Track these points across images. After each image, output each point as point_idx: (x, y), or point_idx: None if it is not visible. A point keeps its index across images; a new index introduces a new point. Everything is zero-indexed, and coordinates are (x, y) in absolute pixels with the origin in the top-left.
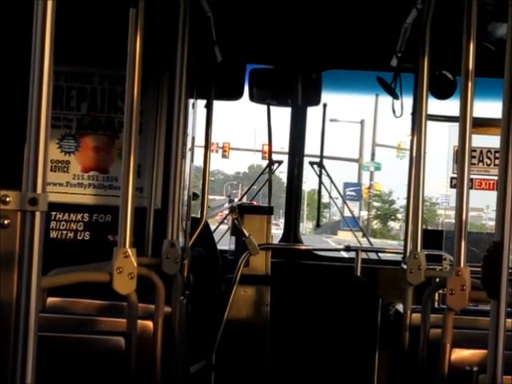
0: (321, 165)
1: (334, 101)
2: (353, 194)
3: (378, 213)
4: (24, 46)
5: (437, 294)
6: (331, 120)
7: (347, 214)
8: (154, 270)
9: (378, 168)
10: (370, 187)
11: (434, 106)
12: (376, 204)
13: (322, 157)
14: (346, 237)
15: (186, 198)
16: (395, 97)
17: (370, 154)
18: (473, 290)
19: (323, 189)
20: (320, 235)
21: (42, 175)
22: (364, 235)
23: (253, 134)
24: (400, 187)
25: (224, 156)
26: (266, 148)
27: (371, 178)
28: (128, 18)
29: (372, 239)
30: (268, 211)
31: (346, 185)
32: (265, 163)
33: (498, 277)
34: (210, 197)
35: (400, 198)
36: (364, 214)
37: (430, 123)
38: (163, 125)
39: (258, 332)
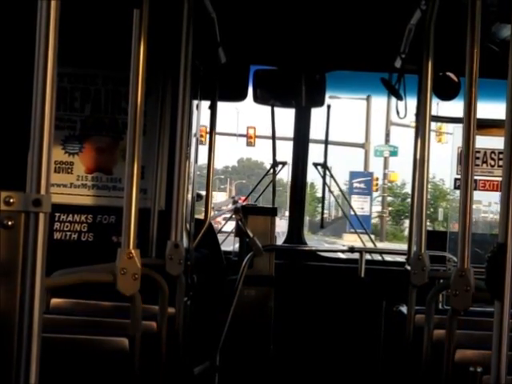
0: (325, 166)
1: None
2: (362, 186)
3: (390, 209)
4: (28, 47)
5: (441, 295)
6: (330, 97)
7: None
8: (157, 271)
9: (394, 153)
10: (384, 177)
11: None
12: (388, 198)
13: (326, 158)
14: (354, 241)
15: (189, 199)
16: (399, 98)
17: (384, 135)
18: (477, 291)
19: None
20: (319, 237)
21: (46, 176)
22: (371, 240)
23: (235, 114)
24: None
25: (201, 142)
26: (252, 132)
27: (385, 166)
28: (132, 19)
29: (386, 244)
30: (272, 212)
31: (353, 175)
32: (251, 150)
33: (501, 278)
34: (199, 192)
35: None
36: (376, 211)
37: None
38: (167, 126)
39: (262, 333)
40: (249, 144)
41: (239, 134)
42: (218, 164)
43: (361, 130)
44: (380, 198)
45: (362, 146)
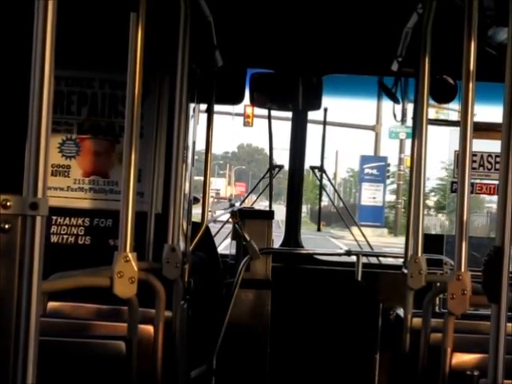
0: (321, 169)
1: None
2: (374, 172)
3: (403, 199)
4: (25, 50)
5: (437, 299)
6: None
7: (365, 202)
8: (154, 274)
9: (411, 135)
10: (399, 162)
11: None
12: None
13: (322, 161)
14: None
15: (186, 202)
16: (396, 101)
17: (401, 114)
18: (473, 295)
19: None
20: (324, 228)
21: (43, 180)
22: (365, 240)
23: None
24: (434, 162)
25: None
26: (250, 111)
27: (401, 150)
28: (129, 22)
29: (401, 239)
30: (269, 216)
31: (364, 159)
32: (250, 132)
33: (498, 281)
34: (196, 178)
35: (431, 179)
36: (387, 201)
37: None
38: (164, 129)
39: (259, 336)
40: (246, 124)
41: (235, 113)
42: (218, 149)
43: (372, 111)
44: (391, 187)
45: (372, 128)
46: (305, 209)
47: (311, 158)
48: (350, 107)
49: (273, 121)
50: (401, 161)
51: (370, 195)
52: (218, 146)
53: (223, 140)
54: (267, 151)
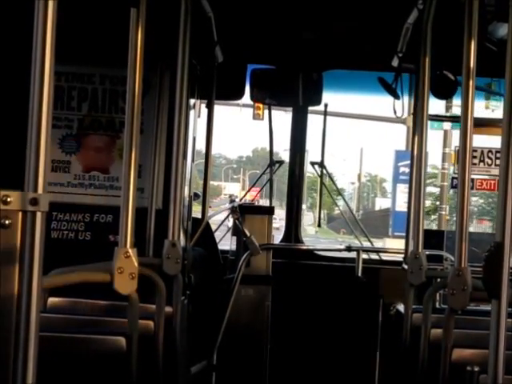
0: (322, 165)
1: None
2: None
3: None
4: (25, 46)
5: (438, 294)
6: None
7: (401, 208)
8: (154, 270)
9: (458, 125)
10: (442, 159)
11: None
12: (433, 190)
13: (323, 157)
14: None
15: (186, 198)
16: (396, 97)
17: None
18: (474, 290)
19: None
20: (346, 238)
21: (43, 175)
22: (369, 241)
23: None
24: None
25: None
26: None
27: (445, 143)
28: (129, 17)
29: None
30: (269, 211)
31: (399, 155)
32: (259, 127)
33: (498, 277)
34: (196, 191)
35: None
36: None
37: None
38: (164, 125)
39: (259, 332)
40: (256, 117)
41: (243, 103)
42: (232, 153)
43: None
44: (429, 189)
45: (403, 121)
46: (321, 215)
47: (337, 153)
48: (377, 100)
49: (282, 113)
50: (444, 157)
51: (406, 199)
52: (232, 150)
53: (237, 143)
54: (282, 155)
